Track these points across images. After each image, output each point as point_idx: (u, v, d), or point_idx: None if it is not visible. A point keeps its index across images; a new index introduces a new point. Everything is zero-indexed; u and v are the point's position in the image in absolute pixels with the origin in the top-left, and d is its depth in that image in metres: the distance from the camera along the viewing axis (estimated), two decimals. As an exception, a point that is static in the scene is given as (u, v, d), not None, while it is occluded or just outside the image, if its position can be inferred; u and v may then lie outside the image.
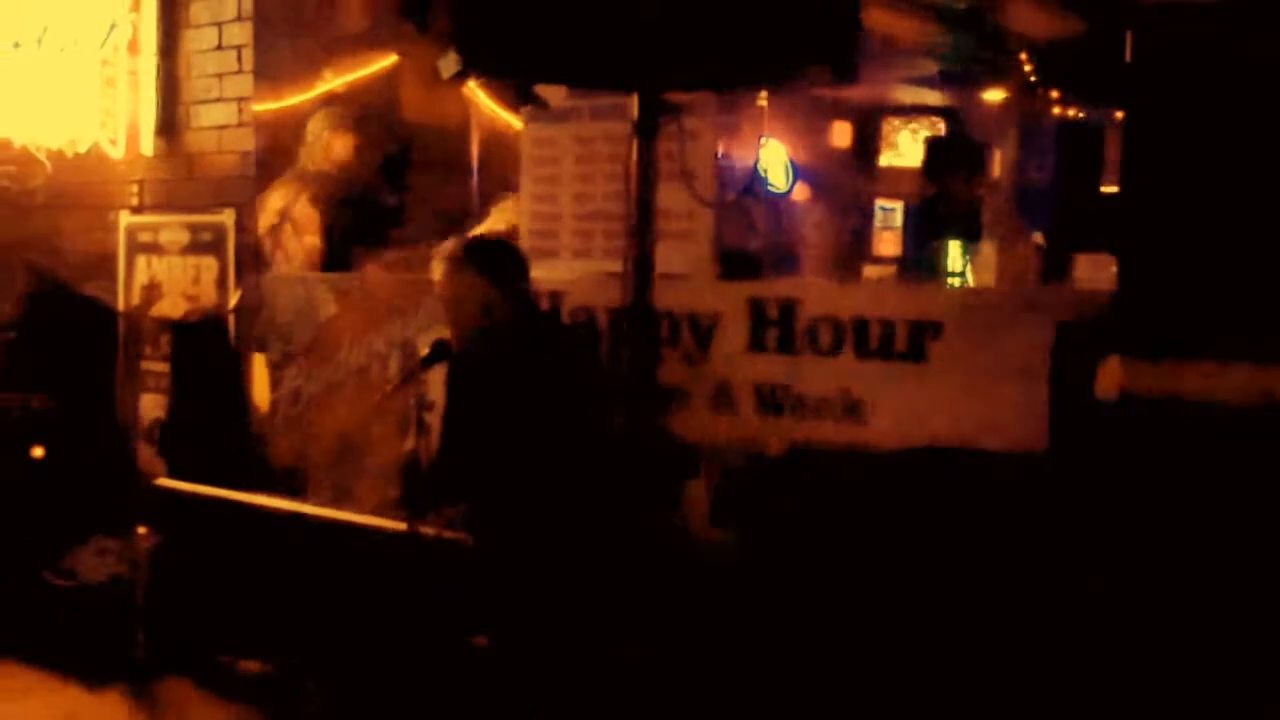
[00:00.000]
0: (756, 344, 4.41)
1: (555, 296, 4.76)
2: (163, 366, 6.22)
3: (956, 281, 5.42)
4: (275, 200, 6.07)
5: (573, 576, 3.76)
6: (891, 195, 8.80)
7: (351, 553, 4.80)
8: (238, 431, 5.78)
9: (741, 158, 6.12)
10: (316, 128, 6.15)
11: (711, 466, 4.44)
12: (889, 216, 8.80)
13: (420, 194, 6.48)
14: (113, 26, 6.34)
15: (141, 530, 5.45)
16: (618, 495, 3.51)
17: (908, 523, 3.94)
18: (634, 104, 3.34)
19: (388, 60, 6.51)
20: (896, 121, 9.16)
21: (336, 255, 6.00)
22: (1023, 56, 7.47)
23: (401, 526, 3.98)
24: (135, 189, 6.49)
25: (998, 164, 8.11)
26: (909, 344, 4.10)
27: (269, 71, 6.12)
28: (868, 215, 8.71)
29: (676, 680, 3.91)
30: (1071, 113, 8.13)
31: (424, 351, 4.12)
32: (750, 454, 4.39)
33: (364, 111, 6.33)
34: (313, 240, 6.01)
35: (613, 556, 3.51)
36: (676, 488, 4.37)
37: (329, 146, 6.14)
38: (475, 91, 6.29)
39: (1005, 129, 8.39)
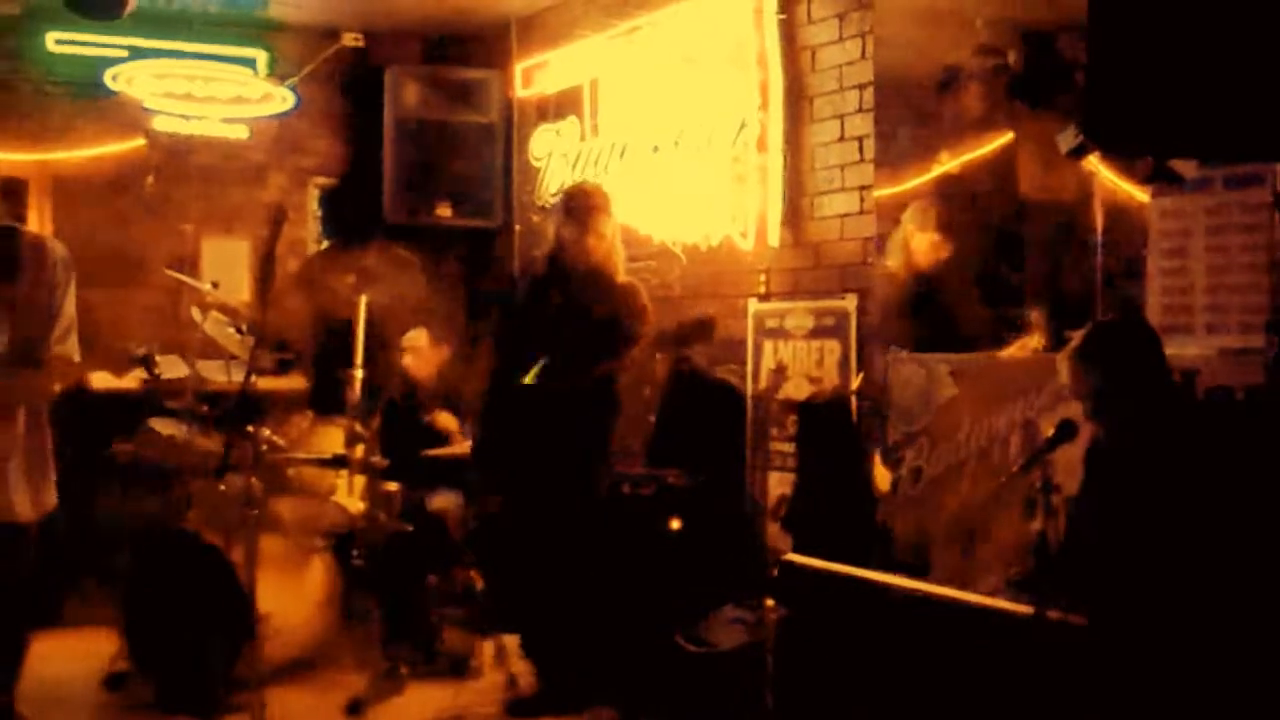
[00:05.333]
0: None
1: (1187, 375, 4.56)
2: (788, 446, 6.50)
3: None
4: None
5: (1215, 675, 3.56)
6: None
7: (972, 634, 4.76)
8: (859, 510, 5.91)
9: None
10: (908, 226, 6.14)
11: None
12: None
13: (1038, 271, 6.39)
14: (742, 125, 6.74)
15: (769, 602, 5.67)
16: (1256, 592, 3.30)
17: None
18: (1277, 173, 3.16)
19: (1002, 139, 6.50)
20: None
21: (940, 338, 6.01)
22: None
23: (1025, 610, 3.93)
24: (762, 278, 6.86)
25: None
26: None
27: (887, 158, 6.29)
28: None
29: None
30: None
31: (1049, 433, 4.07)
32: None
33: (978, 191, 6.34)
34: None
35: (1253, 656, 3.30)
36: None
37: (919, 247, 6.15)
38: (1095, 165, 6.15)
39: None
